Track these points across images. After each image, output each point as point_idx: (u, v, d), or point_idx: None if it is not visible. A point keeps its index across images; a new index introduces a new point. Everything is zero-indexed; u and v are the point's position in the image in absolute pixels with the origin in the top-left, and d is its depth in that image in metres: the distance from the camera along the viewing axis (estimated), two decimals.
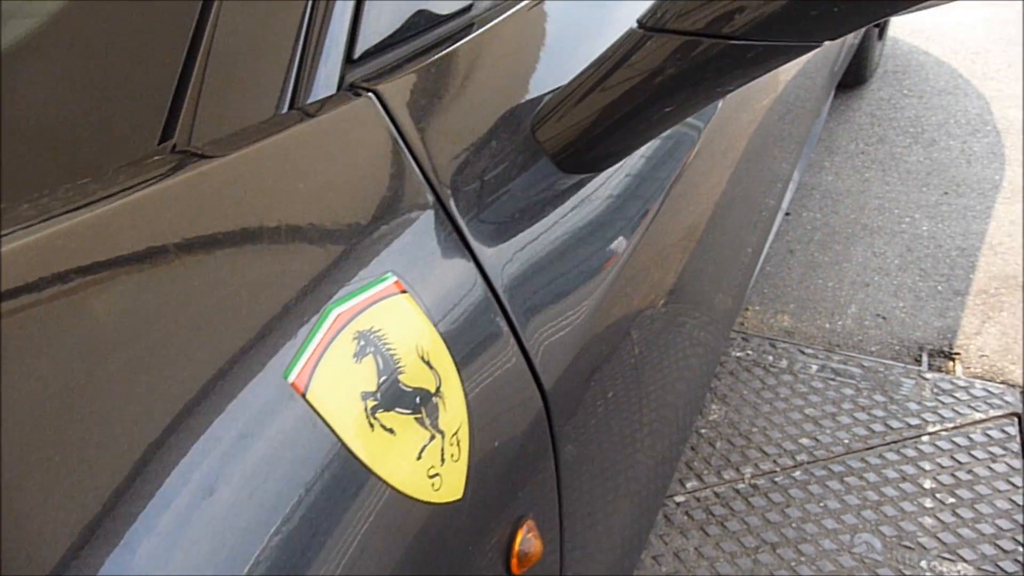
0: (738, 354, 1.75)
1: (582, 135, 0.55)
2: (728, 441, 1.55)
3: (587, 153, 0.57)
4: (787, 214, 2.21)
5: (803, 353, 1.74)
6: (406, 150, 0.48)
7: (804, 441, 1.53)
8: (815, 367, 1.70)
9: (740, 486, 1.46)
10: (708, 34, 0.51)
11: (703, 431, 1.57)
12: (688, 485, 1.47)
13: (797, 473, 1.47)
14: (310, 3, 0.50)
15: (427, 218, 0.46)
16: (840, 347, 1.78)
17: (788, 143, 1.48)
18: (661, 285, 0.79)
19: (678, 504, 1.44)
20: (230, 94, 0.47)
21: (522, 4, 0.63)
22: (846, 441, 1.53)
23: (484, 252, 0.49)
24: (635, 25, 0.54)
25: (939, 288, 1.91)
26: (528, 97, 0.59)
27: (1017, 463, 1.47)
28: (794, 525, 1.39)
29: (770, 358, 1.74)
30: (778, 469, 1.49)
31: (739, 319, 1.88)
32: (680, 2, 0.52)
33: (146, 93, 0.47)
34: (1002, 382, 1.66)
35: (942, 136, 2.54)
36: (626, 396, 0.73)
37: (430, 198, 0.47)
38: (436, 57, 0.54)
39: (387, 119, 0.48)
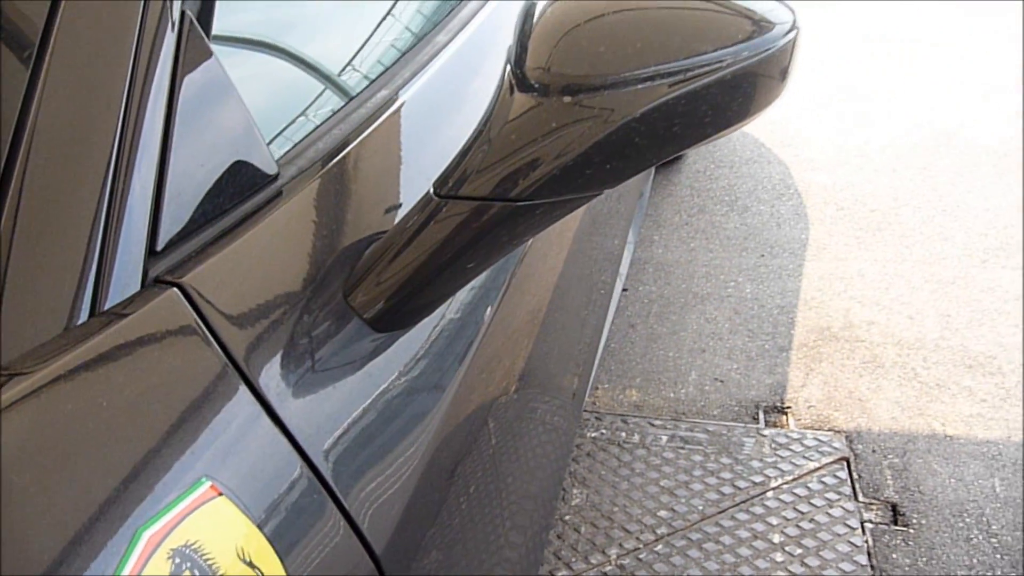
0: (593, 434, 1.82)
1: (393, 297, 0.59)
2: (592, 524, 1.59)
3: (400, 312, 0.60)
4: (624, 290, 2.34)
5: (652, 425, 1.83)
6: (214, 343, 0.49)
7: (662, 514, 1.60)
8: (665, 438, 1.79)
9: (608, 568, 1.50)
10: (496, 199, 0.56)
11: (567, 517, 1.61)
12: (559, 575, 1.49)
13: (659, 547, 1.53)
14: (107, 197, 0.51)
15: (239, 411, 0.47)
16: (686, 415, 1.88)
17: (617, 221, 1.58)
18: (510, 375, 0.82)
19: None
20: (32, 302, 0.47)
21: (328, 166, 0.66)
22: (700, 508, 1.61)
23: (301, 431, 0.50)
24: (431, 191, 0.58)
25: (766, 347, 2.07)
26: (339, 262, 0.61)
27: (851, 505, 1.59)
28: None
29: (623, 434, 1.81)
30: (641, 546, 1.54)
31: (591, 399, 1.95)
32: (470, 170, 0.56)
33: None
34: (829, 429, 1.81)
35: (753, 202, 2.78)
36: (480, 509, 0.75)
37: (242, 389, 0.49)
38: (242, 239, 0.56)
39: (193, 313, 0.49)
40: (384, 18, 0.92)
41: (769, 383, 1.95)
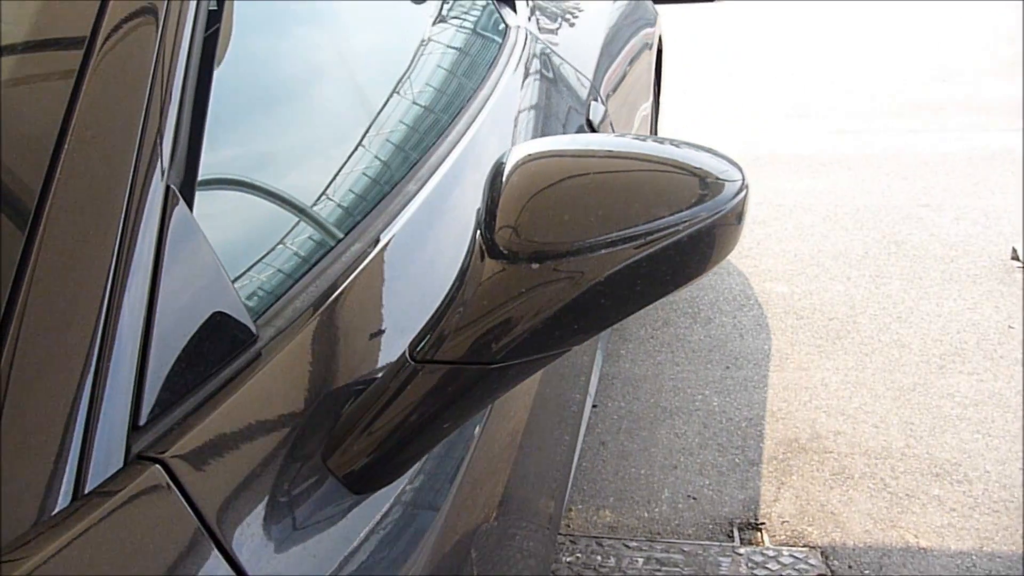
0: (568, 559, 1.79)
1: (371, 459, 0.60)
2: None
3: (378, 473, 0.61)
4: (595, 406, 2.35)
5: (628, 547, 1.81)
6: (195, 519, 0.49)
7: None
8: (640, 560, 1.77)
9: None
10: (470, 362, 0.58)
11: None
12: None
13: None
14: (91, 374, 0.52)
15: None
16: (661, 535, 1.87)
17: None
18: (490, 504, 0.82)
19: None
20: (15, 485, 0.47)
21: (305, 327, 0.68)
22: None
23: None
24: (407, 355, 0.60)
25: (736, 460, 2.08)
26: (317, 424, 0.62)
27: None
28: None
29: (598, 558, 1.78)
30: None
31: (565, 521, 1.93)
32: (444, 334, 0.59)
33: None
34: (804, 545, 1.80)
35: (716, 313, 2.85)
36: None
37: (223, 565, 0.49)
38: (223, 405, 0.57)
39: (176, 492, 0.50)
40: (351, 169, 0.96)
41: (742, 498, 1.95)
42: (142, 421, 0.53)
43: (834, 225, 3.51)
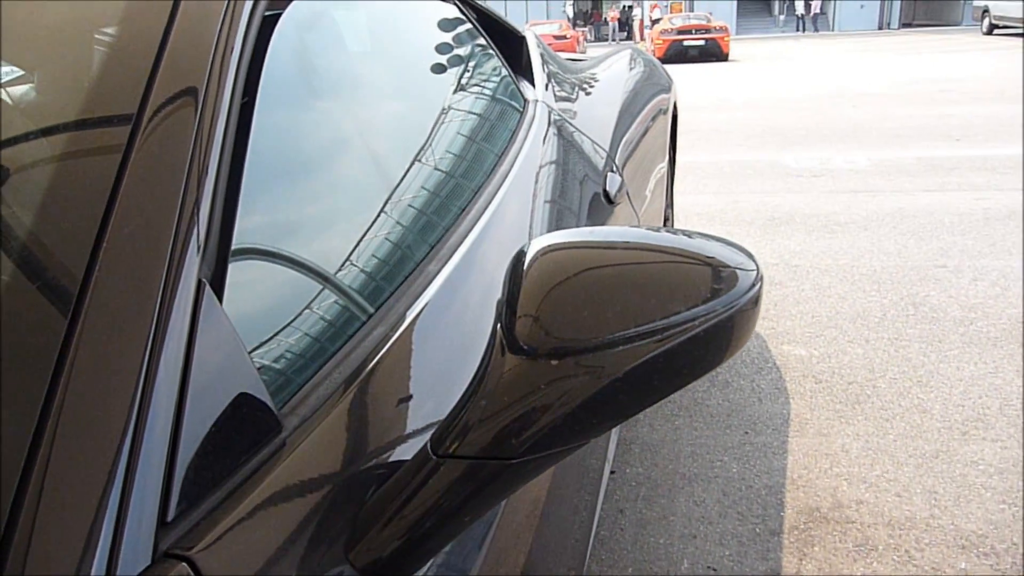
0: None
1: (392, 552, 0.60)
2: None
3: (399, 565, 0.61)
4: (612, 472, 2.33)
5: None
6: None
7: None
8: None
9: None
10: (492, 457, 0.59)
11: None
12: None
13: None
14: (121, 470, 0.53)
15: None
16: None
17: None
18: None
19: None
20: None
21: (329, 416, 0.69)
22: None
23: None
24: (428, 449, 0.61)
25: (757, 530, 2.05)
26: (339, 516, 0.63)
27: None
28: None
29: None
30: None
31: None
32: (465, 429, 0.60)
33: None
34: None
35: (734, 377, 2.83)
36: None
37: None
38: (248, 498, 0.58)
39: None
40: (374, 248, 0.98)
41: (763, 570, 1.91)
42: (170, 517, 0.54)
43: (851, 286, 3.51)
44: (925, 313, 3.20)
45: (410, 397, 0.80)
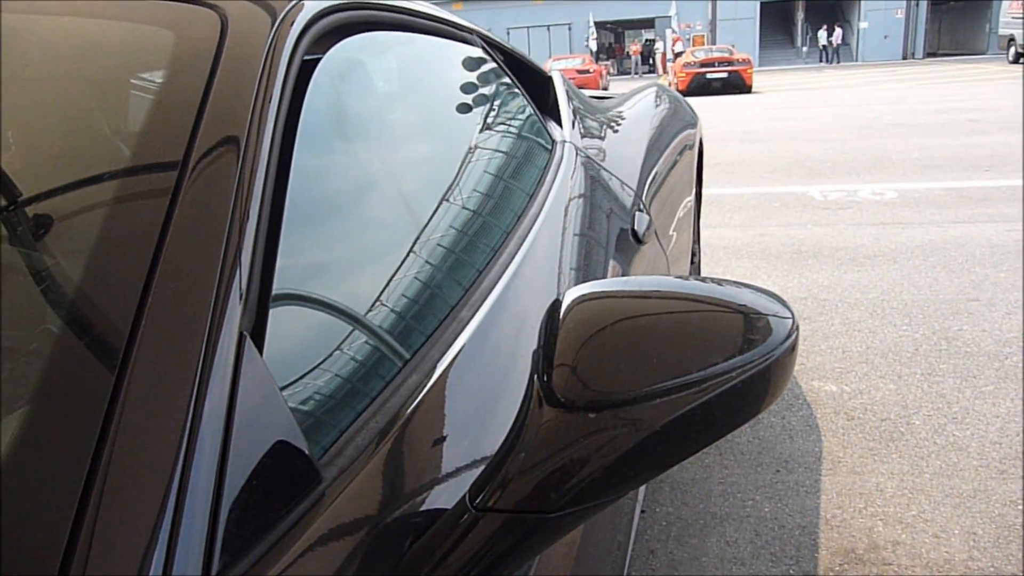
0: None
1: None
2: None
3: None
4: (643, 511, 2.31)
5: None
6: None
7: None
8: None
9: None
10: (530, 511, 0.59)
11: None
12: None
13: None
14: (167, 529, 0.54)
15: None
16: None
17: None
18: None
19: None
20: None
21: (367, 466, 0.69)
22: None
23: None
24: (467, 501, 0.61)
25: (791, 572, 2.01)
26: (378, 570, 0.63)
27: None
28: None
29: None
30: None
31: None
32: (503, 482, 0.60)
33: None
34: None
35: (764, 414, 2.80)
36: None
37: None
38: (289, 552, 0.58)
39: None
40: (407, 295, 0.99)
41: None
42: (214, 572, 0.55)
43: (882, 321, 3.47)
44: (958, 348, 3.15)
45: (444, 446, 0.81)
